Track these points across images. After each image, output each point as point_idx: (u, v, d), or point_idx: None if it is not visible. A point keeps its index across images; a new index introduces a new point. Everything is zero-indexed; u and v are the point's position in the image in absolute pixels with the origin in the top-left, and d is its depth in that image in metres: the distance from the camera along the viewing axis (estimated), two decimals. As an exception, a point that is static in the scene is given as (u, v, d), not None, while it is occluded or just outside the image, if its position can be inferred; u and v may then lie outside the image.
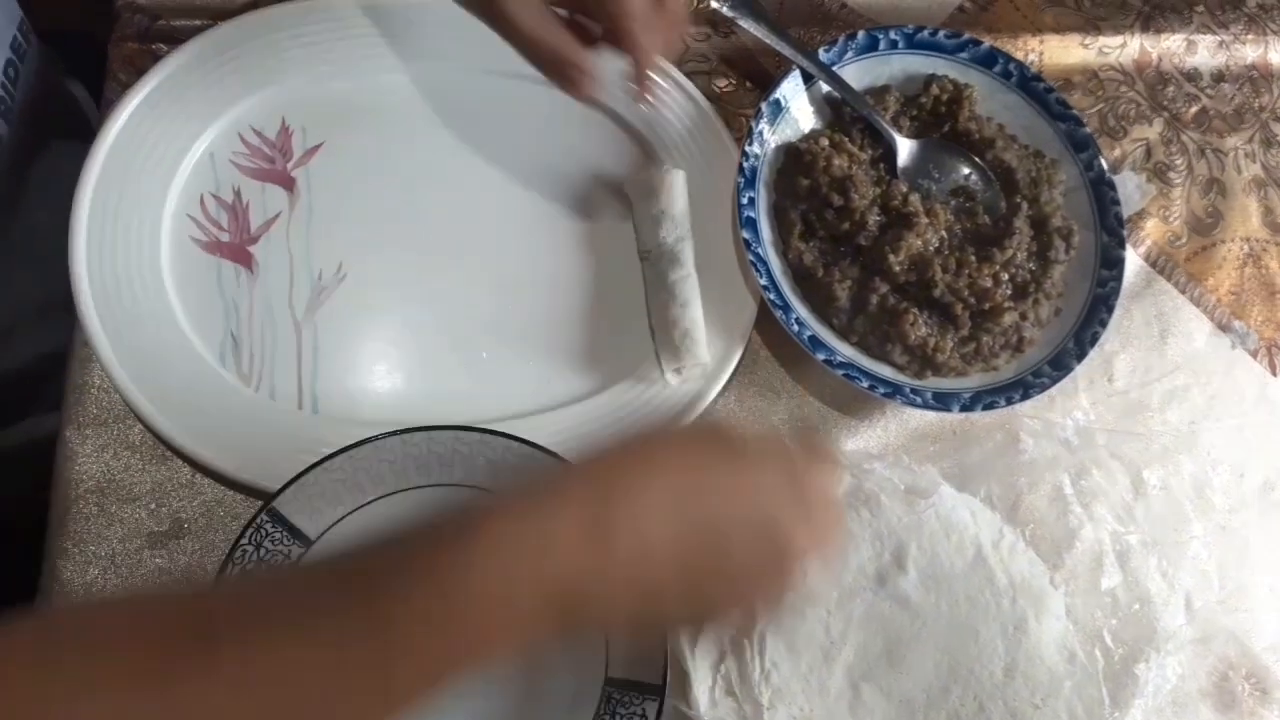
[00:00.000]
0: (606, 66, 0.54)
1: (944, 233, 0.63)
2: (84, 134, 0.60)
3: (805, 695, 0.56)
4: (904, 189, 0.63)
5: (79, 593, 0.54)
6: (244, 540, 0.49)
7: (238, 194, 0.60)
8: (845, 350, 0.62)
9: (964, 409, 0.61)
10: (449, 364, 0.59)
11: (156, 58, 0.60)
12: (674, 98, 0.66)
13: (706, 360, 0.60)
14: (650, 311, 0.62)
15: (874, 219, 0.62)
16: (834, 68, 0.66)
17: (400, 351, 0.59)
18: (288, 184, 0.60)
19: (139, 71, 0.60)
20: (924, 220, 0.61)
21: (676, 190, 0.63)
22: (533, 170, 0.64)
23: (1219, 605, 0.64)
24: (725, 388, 0.62)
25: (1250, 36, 0.79)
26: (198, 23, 0.62)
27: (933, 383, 0.63)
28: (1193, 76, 0.78)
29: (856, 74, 0.67)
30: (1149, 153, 0.75)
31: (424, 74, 0.64)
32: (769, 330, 0.64)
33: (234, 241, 0.59)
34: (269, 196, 0.60)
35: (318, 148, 0.61)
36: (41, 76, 0.70)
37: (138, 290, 0.57)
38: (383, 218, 0.61)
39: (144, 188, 0.58)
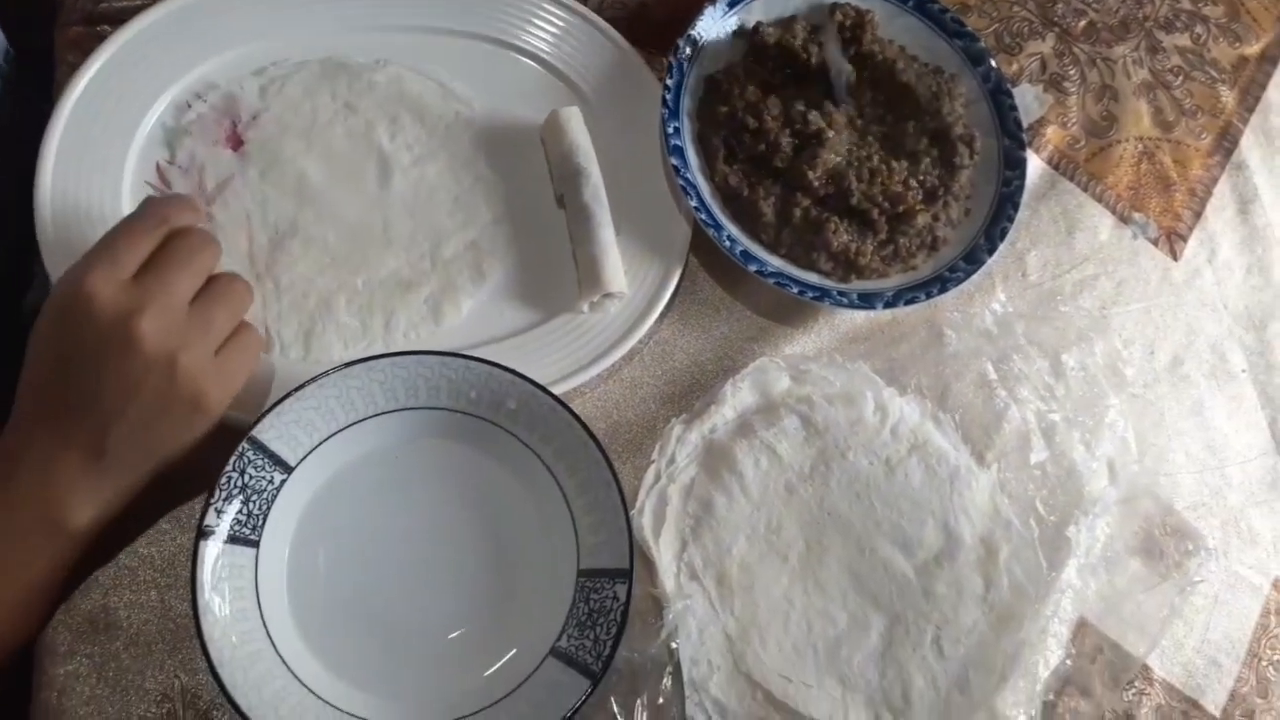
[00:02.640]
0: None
1: (854, 136, 0.68)
2: (38, 124, 0.63)
3: (761, 578, 0.61)
4: (801, 107, 0.67)
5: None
6: (230, 468, 0.53)
7: (192, 159, 0.63)
8: (775, 261, 0.67)
9: (888, 305, 0.66)
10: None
11: (103, 39, 0.64)
12: (597, 41, 0.71)
13: (615, 289, 0.63)
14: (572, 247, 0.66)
15: (786, 140, 0.67)
16: (743, 3, 0.71)
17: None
18: (238, 145, 0.64)
19: (86, 53, 0.63)
20: (831, 134, 0.66)
21: (571, 125, 0.66)
22: (470, 120, 0.68)
23: (1139, 469, 0.69)
24: (668, 307, 0.66)
25: (1130, -48, 0.85)
26: (139, 2, 0.65)
27: (857, 285, 0.67)
28: (1079, -8, 0.84)
29: (764, 7, 0.72)
30: (1044, 65, 0.81)
31: (355, 34, 0.68)
32: (705, 251, 0.69)
33: (191, 206, 0.62)
34: (222, 159, 0.63)
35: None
36: (16, 93, 0.72)
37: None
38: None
39: (100, 161, 0.61)
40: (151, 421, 0.51)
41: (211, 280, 0.54)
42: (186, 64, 0.64)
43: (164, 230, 0.52)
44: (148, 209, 0.54)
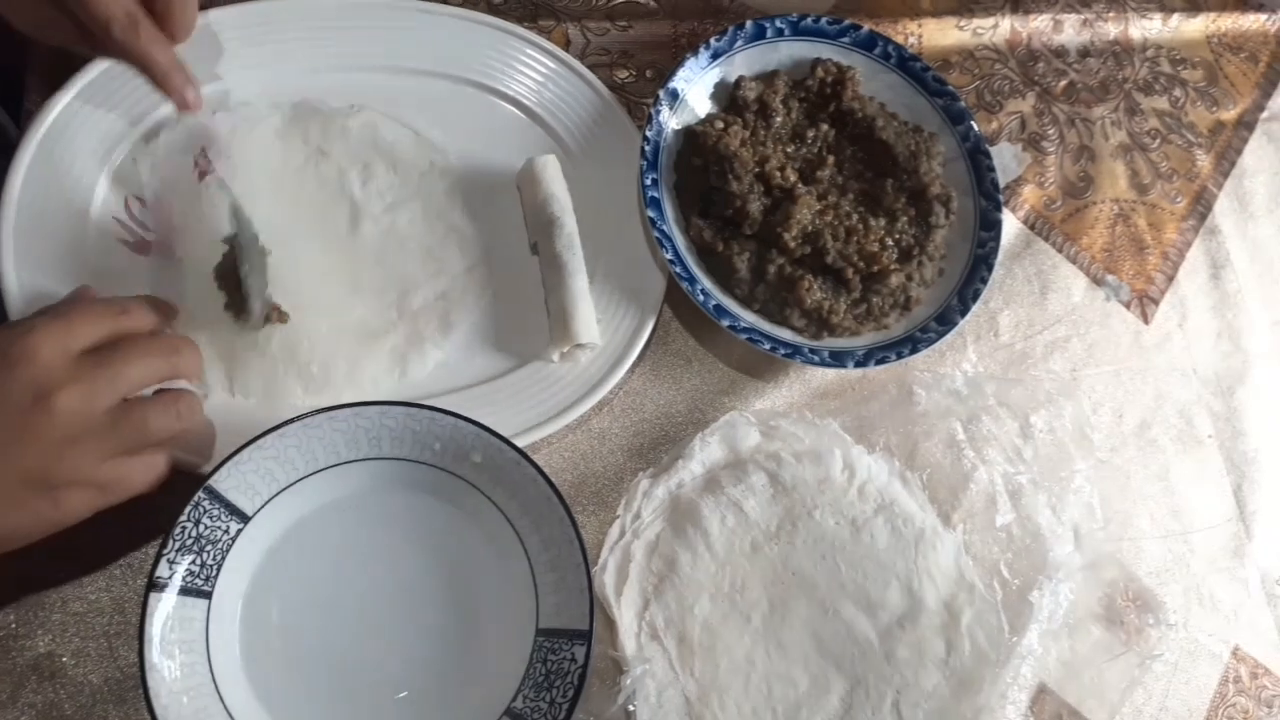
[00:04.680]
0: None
1: (832, 192, 0.68)
2: (5, 152, 0.62)
3: (723, 639, 0.60)
4: (778, 163, 0.67)
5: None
6: (184, 518, 0.52)
7: (160, 195, 0.62)
8: (748, 317, 0.67)
9: (858, 364, 0.66)
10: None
11: (76, 69, 0.63)
12: (578, 89, 0.70)
13: (585, 339, 0.63)
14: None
15: (756, 205, 0.66)
16: (725, 56, 0.71)
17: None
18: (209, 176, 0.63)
19: (59, 82, 0.62)
20: (803, 189, 0.66)
21: (547, 174, 0.66)
22: (445, 169, 0.68)
23: (1104, 535, 0.70)
24: (640, 357, 0.66)
25: (1111, 14, 0.86)
26: (114, 34, 0.64)
27: (829, 343, 0.67)
28: (1060, 53, 0.85)
29: (747, 61, 0.72)
30: (1023, 124, 0.81)
31: (336, 74, 0.67)
32: (678, 302, 0.69)
33: (161, 239, 0.62)
34: (192, 190, 0.62)
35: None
36: None
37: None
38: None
39: (69, 193, 0.61)
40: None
41: (164, 391, 0.52)
42: (159, 98, 0.63)
43: (121, 322, 0.51)
44: (114, 299, 0.53)
